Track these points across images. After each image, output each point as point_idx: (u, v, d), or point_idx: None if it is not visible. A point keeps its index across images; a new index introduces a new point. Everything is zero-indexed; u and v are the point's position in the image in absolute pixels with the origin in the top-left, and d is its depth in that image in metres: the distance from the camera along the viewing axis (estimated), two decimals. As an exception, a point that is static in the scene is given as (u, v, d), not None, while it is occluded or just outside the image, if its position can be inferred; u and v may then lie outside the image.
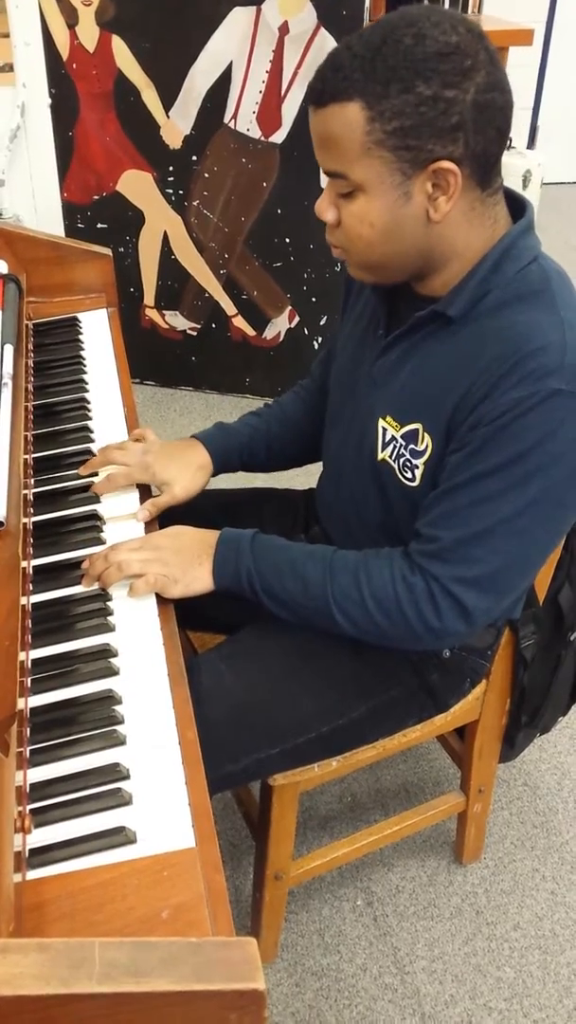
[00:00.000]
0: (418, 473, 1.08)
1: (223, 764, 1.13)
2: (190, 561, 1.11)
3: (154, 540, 1.12)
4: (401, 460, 1.09)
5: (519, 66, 3.34)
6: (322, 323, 2.75)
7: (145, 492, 1.26)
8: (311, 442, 1.36)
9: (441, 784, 1.76)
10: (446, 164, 0.93)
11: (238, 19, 2.41)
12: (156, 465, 1.24)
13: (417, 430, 1.06)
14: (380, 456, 1.13)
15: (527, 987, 1.45)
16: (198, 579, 1.11)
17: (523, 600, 1.23)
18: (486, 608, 1.05)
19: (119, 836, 0.83)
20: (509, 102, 0.95)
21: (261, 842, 1.33)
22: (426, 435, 1.05)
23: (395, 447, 1.10)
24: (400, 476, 1.10)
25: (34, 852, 0.82)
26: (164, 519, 1.24)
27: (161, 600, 1.09)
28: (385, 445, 1.12)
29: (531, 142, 4.64)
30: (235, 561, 1.11)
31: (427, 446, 1.06)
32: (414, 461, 1.08)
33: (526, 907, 1.57)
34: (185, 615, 1.15)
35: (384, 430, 1.11)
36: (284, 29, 2.39)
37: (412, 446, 1.07)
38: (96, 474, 1.27)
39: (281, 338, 2.84)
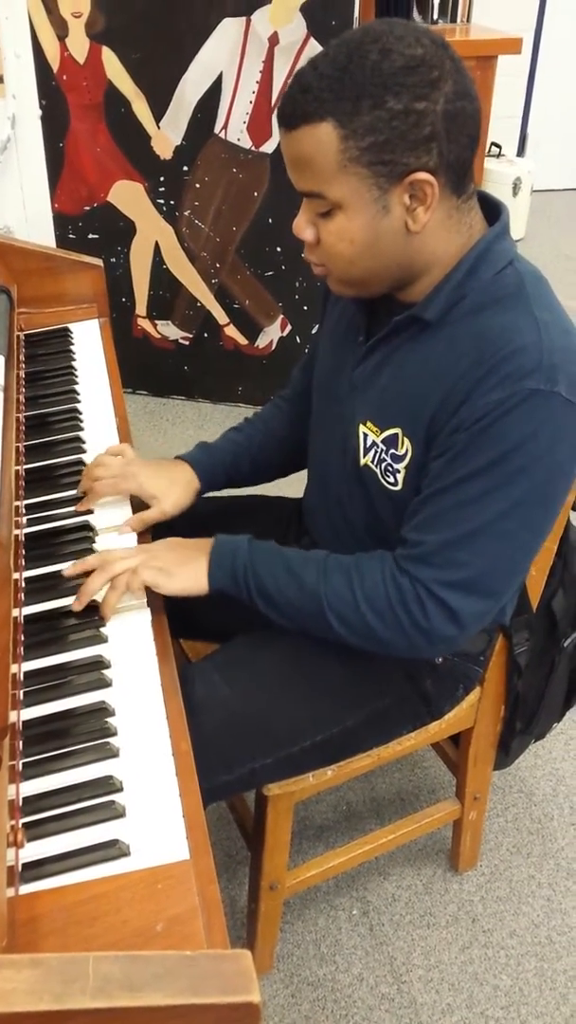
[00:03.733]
0: (400, 477, 1.08)
1: (217, 774, 1.13)
2: (185, 559, 1.10)
3: (146, 546, 1.12)
4: (383, 465, 1.10)
5: (508, 75, 3.36)
6: (314, 331, 2.75)
7: (138, 507, 1.25)
8: (294, 451, 1.36)
9: (436, 792, 1.76)
10: (422, 175, 0.93)
11: (228, 30, 2.42)
12: (142, 475, 1.23)
13: (397, 435, 1.07)
14: (362, 461, 1.13)
15: (524, 995, 1.45)
16: (193, 576, 1.10)
17: (514, 605, 1.24)
18: (475, 611, 1.05)
19: (113, 849, 0.82)
20: (477, 108, 0.95)
21: (256, 853, 1.33)
22: (406, 439, 1.06)
23: (376, 452, 1.10)
24: (382, 481, 1.11)
25: (27, 866, 0.81)
26: (158, 526, 1.24)
27: (154, 610, 1.09)
28: (367, 450, 1.12)
29: (521, 150, 4.68)
30: (231, 561, 1.11)
31: (407, 450, 1.06)
32: (395, 465, 1.08)
33: (522, 914, 1.56)
34: (177, 624, 1.15)
35: (365, 435, 1.12)
36: (274, 39, 2.40)
37: (393, 451, 1.08)
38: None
39: (273, 346, 2.84)
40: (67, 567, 1.13)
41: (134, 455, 1.28)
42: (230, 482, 1.36)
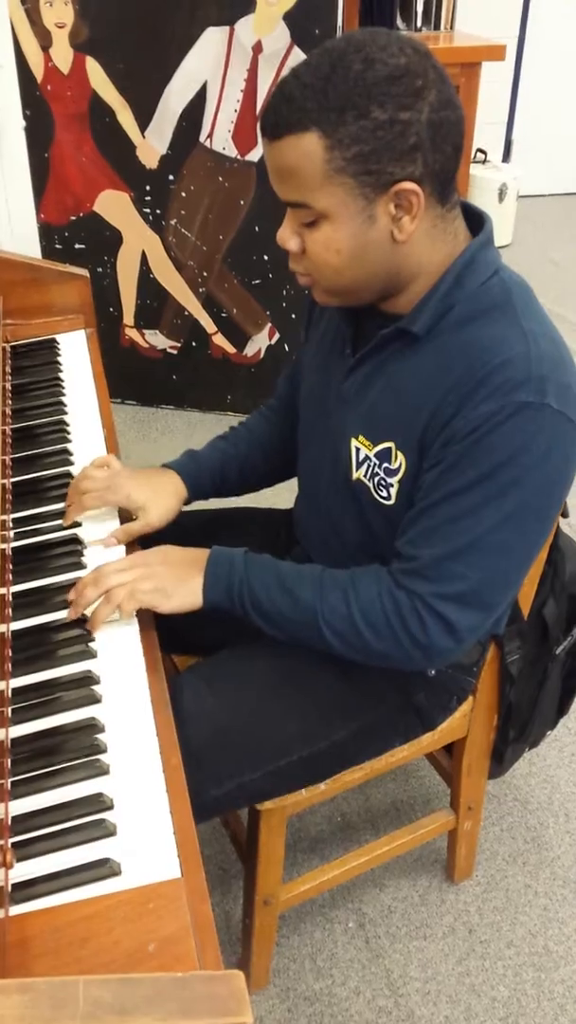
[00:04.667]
0: (393, 491, 1.08)
1: (206, 789, 1.11)
2: (181, 576, 1.09)
3: (142, 558, 1.11)
4: (376, 479, 1.09)
5: (493, 81, 3.37)
6: (302, 339, 2.75)
7: (126, 518, 1.23)
8: (281, 460, 1.36)
9: (431, 802, 1.75)
10: (408, 185, 0.93)
11: (212, 39, 2.42)
12: (128, 486, 1.22)
13: (390, 449, 1.06)
14: (354, 475, 1.12)
15: (522, 1006, 1.44)
16: (190, 593, 1.09)
17: (507, 615, 1.23)
18: (471, 624, 1.04)
19: (103, 868, 0.81)
20: (461, 117, 0.95)
21: (250, 867, 1.32)
22: (399, 453, 1.05)
23: (369, 466, 1.10)
24: (375, 495, 1.10)
25: (17, 887, 0.80)
26: (147, 542, 1.23)
27: (144, 625, 1.08)
28: (359, 464, 1.11)
29: (506, 156, 4.69)
30: (227, 577, 1.10)
31: (401, 464, 1.05)
32: (388, 480, 1.07)
33: (519, 924, 1.55)
34: (166, 639, 1.13)
35: (357, 449, 1.11)
36: (258, 48, 2.40)
37: (386, 464, 1.07)
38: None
39: (261, 355, 2.84)
40: (59, 580, 1.12)
41: (120, 466, 1.27)
42: (217, 490, 1.35)
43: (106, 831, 0.84)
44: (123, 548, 1.19)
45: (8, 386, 1.49)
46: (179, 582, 1.09)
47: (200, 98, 2.51)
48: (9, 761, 0.91)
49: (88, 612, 1.07)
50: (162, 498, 1.24)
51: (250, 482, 1.39)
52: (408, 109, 0.90)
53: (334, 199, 0.94)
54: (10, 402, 1.46)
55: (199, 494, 1.31)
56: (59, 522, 1.22)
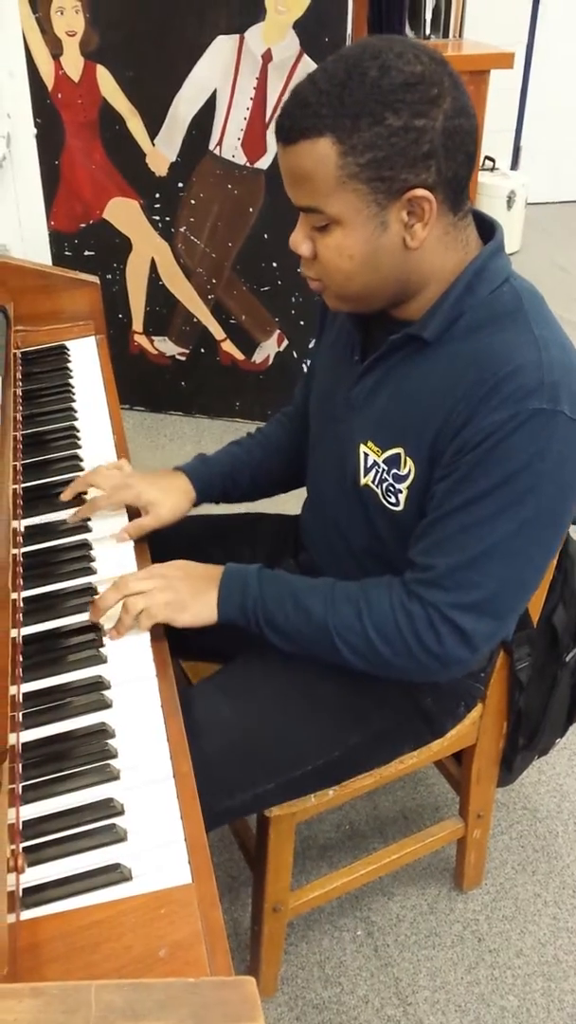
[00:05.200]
0: (402, 497, 1.07)
1: (220, 800, 1.11)
2: (196, 592, 1.10)
3: (161, 570, 1.11)
4: (384, 485, 1.09)
5: (501, 89, 3.38)
6: (311, 346, 2.75)
7: (135, 518, 1.24)
8: (295, 467, 1.36)
9: (440, 810, 1.75)
10: (420, 192, 0.93)
11: (222, 47, 2.43)
12: (139, 485, 1.23)
13: (399, 455, 1.06)
14: (362, 481, 1.12)
15: (531, 1016, 1.43)
16: (206, 607, 1.10)
17: (515, 621, 1.23)
18: (487, 632, 1.04)
19: (114, 874, 0.81)
20: (475, 126, 0.96)
21: (259, 874, 1.32)
22: (408, 459, 1.05)
23: (377, 472, 1.10)
24: (383, 500, 1.10)
25: (28, 891, 0.80)
26: (156, 546, 1.23)
27: (154, 630, 1.08)
28: (367, 470, 1.11)
29: (515, 163, 4.70)
30: (240, 593, 1.10)
31: (410, 470, 1.05)
32: (397, 486, 1.07)
33: (528, 933, 1.55)
34: (176, 645, 1.14)
35: (366, 455, 1.11)
36: (267, 56, 2.41)
37: (395, 471, 1.07)
38: (80, 500, 1.25)
39: (270, 361, 2.84)
40: (69, 585, 1.12)
41: (131, 470, 1.28)
42: (226, 494, 1.35)
43: (117, 836, 0.84)
44: (132, 544, 1.19)
45: (18, 392, 1.49)
46: (195, 596, 1.09)
47: (210, 106, 2.52)
48: (20, 766, 0.91)
49: (106, 622, 1.07)
50: (172, 497, 1.25)
51: (263, 487, 1.39)
52: (423, 116, 0.90)
53: (347, 205, 0.94)
54: (20, 408, 1.46)
55: (207, 496, 1.32)
56: (69, 527, 1.23)
